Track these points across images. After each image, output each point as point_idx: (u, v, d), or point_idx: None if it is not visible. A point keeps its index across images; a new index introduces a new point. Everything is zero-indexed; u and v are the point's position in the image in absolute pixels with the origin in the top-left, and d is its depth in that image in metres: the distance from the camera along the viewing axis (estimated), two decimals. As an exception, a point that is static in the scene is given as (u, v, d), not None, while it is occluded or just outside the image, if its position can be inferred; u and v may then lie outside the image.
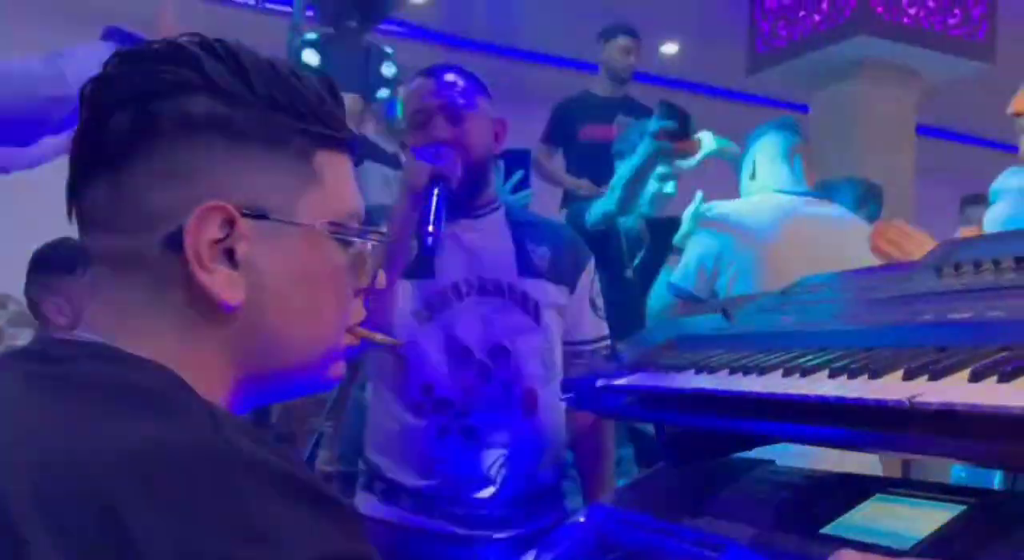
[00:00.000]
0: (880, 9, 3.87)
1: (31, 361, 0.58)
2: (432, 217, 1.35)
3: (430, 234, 1.35)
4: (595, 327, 1.60)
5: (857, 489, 0.92)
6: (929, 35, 3.98)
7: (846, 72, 4.14)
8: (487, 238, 1.51)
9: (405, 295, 1.45)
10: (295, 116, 0.60)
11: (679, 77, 5.77)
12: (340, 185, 0.63)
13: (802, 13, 4.16)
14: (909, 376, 0.75)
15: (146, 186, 0.58)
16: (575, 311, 1.57)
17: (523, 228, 1.55)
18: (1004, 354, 0.69)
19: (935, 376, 0.70)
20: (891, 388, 0.75)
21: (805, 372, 0.87)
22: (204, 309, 0.59)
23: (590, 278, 1.60)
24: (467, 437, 1.43)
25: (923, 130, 4.74)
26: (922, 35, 3.97)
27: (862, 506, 0.88)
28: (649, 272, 2.78)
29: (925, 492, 0.85)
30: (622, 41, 3.79)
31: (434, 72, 1.53)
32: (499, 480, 1.43)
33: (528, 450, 1.46)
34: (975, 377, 0.66)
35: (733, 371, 0.95)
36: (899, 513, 0.84)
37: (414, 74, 1.58)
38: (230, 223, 0.58)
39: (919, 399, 0.68)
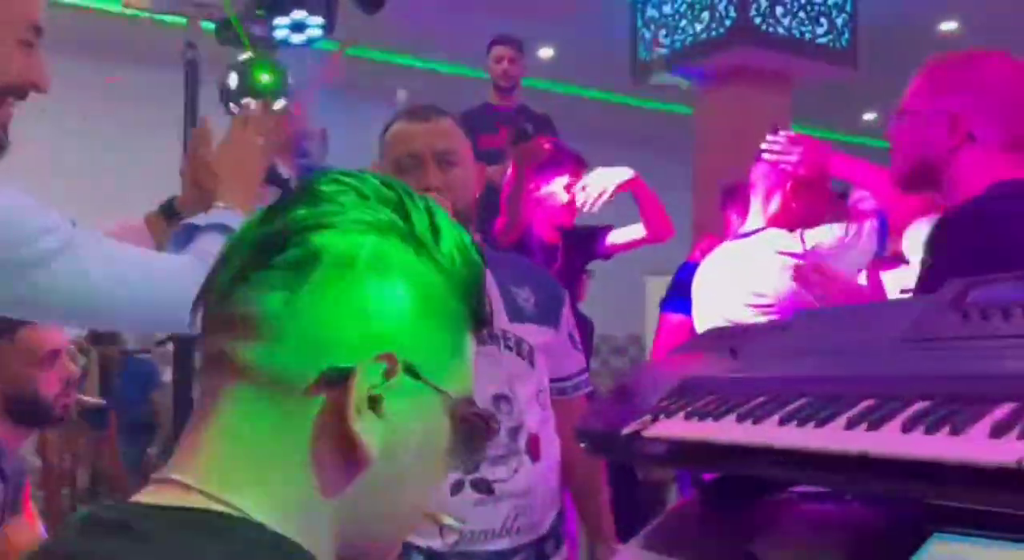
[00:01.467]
0: (758, 20, 4.07)
1: (109, 537, 0.51)
2: None
3: None
4: (576, 361, 1.61)
5: (910, 523, 0.95)
6: (801, 43, 4.22)
7: (726, 79, 4.33)
8: None
9: None
10: (469, 290, 0.59)
11: (564, 81, 5.87)
12: (471, 366, 0.62)
13: (683, 22, 4.32)
14: (997, 433, 0.79)
15: (328, 313, 0.54)
16: (560, 349, 1.56)
17: (502, 271, 1.53)
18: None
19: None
20: (986, 446, 0.79)
21: (873, 424, 0.90)
22: (335, 457, 0.54)
23: (568, 312, 1.60)
24: (481, 491, 1.40)
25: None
26: (794, 44, 4.21)
27: (923, 553, 0.91)
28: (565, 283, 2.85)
29: (989, 528, 0.89)
30: (495, 50, 3.82)
31: (423, 114, 1.49)
32: (516, 531, 1.41)
33: (539, 496, 1.45)
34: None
35: (785, 421, 0.98)
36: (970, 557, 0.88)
37: (396, 113, 1.53)
38: (389, 373, 0.55)
39: (1034, 461, 0.72)
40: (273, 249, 0.55)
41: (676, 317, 2.90)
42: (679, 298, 2.87)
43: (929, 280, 1.38)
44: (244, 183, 1.27)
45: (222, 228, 1.16)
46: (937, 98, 1.42)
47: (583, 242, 2.89)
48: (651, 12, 4.54)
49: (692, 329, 2.67)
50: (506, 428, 1.42)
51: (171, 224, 1.30)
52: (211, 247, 1.11)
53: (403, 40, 5.71)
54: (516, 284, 1.53)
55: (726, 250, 2.66)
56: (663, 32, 4.43)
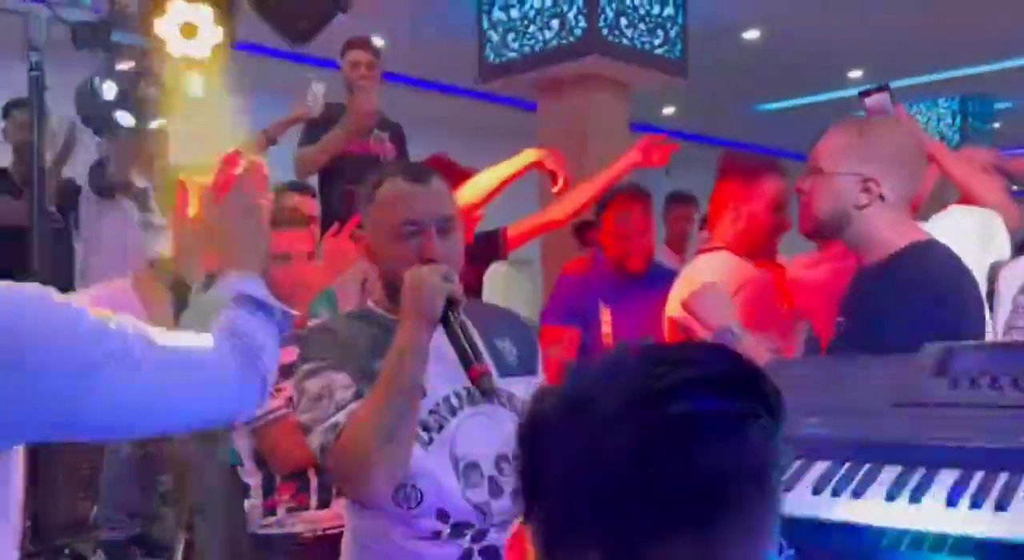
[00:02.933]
0: (605, 31, 4.23)
1: None
2: (474, 351, 1.31)
3: (485, 373, 1.30)
4: None
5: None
6: (642, 54, 4.44)
7: (574, 85, 4.47)
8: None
9: None
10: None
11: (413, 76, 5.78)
12: None
13: (532, 28, 4.40)
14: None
15: (733, 543, 0.53)
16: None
17: (486, 325, 1.53)
18: None
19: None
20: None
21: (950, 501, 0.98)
22: None
23: (540, 358, 1.60)
24: (490, 558, 1.39)
25: (636, 127, 5.27)
26: (636, 54, 4.42)
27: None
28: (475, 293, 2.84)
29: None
30: (352, 54, 3.73)
31: (422, 176, 1.43)
32: None
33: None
34: None
35: (857, 494, 1.06)
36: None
37: (385, 168, 1.47)
38: None
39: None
40: None
41: (562, 329, 2.97)
42: (562, 310, 2.92)
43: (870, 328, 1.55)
44: (254, 250, 1.18)
45: (249, 301, 1.09)
46: (852, 161, 1.59)
47: (484, 249, 2.88)
48: (498, 15, 4.58)
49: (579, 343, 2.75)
50: (509, 491, 1.42)
51: (165, 285, 1.21)
52: (240, 324, 1.06)
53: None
54: (499, 337, 1.53)
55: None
56: (511, 36, 4.49)
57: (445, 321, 1.33)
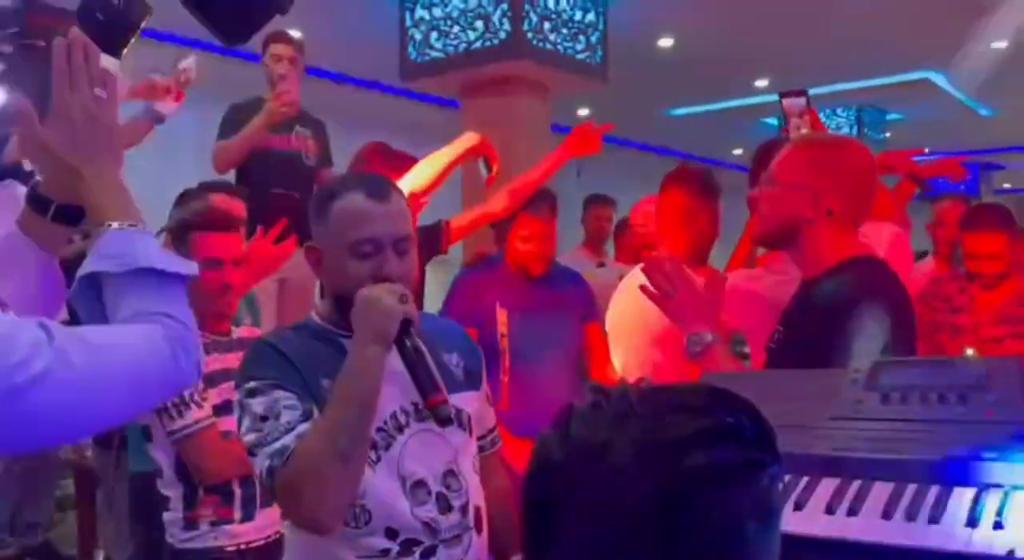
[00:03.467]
0: (530, 34, 4.26)
1: None
2: (432, 378, 1.29)
3: (443, 403, 1.29)
4: (491, 417, 1.61)
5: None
6: (564, 59, 4.49)
7: (496, 86, 4.49)
8: None
9: None
10: None
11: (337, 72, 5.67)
12: None
13: (456, 28, 4.39)
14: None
15: None
16: (482, 408, 1.57)
17: (433, 339, 1.51)
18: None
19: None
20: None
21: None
22: None
23: (481, 370, 1.59)
24: None
25: (555, 129, 5.32)
26: (559, 59, 4.47)
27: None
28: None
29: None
30: (274, 48, 3.66)
31: (381, 193, 1.39)
32: None
33: None
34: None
35: (798, 507, 1.11)
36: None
37: (342, 181, 1.43)
38: None
39: None
40: None
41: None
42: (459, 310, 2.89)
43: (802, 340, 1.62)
44: (110, 167, 1.00)
45: (151, 273, 0.94)
46: (805, 175, 1.66)
47: (427, 243, 2.85)
48: (421, 13, 4.55)
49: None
50: (458, 506, 1.42)
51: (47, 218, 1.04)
52: (156, 303, 0.94)
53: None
54: (447, 351, 1.52)
55: None
56: (434, 35, 4.47)
57: (400, 343, 1.31)
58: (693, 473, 0.54)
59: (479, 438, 1.55)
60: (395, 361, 1.37)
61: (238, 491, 1.98)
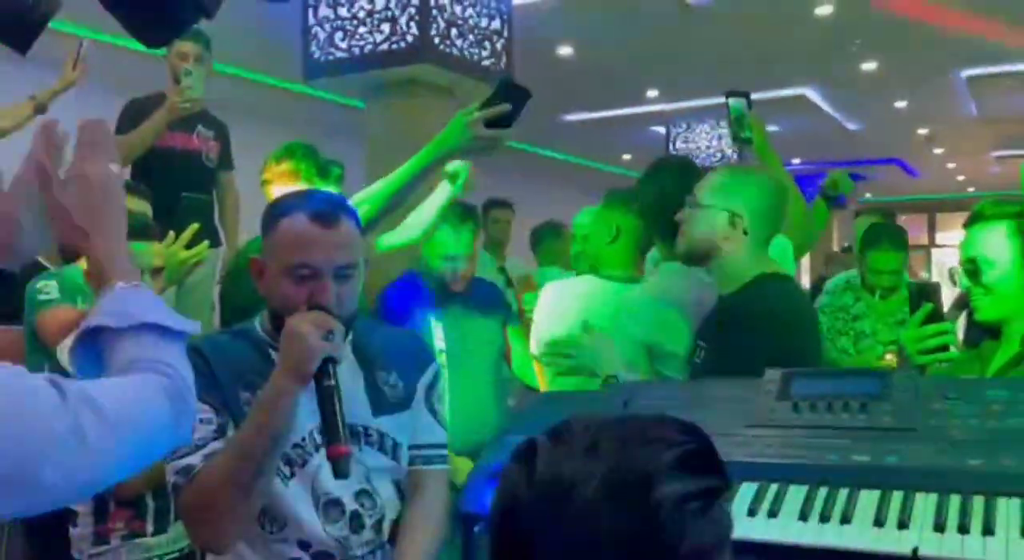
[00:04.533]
0: (436, 39, 4.27)
1: None
2: (340, 425, 1.26)
3: (345, 455, 1.26)
4: (438, 435, 1.58)
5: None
6: (469, 64, 4.53)
7: (401, 89, 4.48)
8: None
9: None
10: None
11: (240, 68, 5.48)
12: None
13: (362, 29, 4.35)
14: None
15: None
16: (418, 422, 1.56)
17: (371, 358, 1.49)
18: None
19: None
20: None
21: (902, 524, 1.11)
22: None
23: (432, 381, 1.58)
24: None
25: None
26: (464, 64, 4.50)
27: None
28: None
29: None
30: (179, 45, 3.56)
31: (327, 218, 1.35)
32: None
33: None
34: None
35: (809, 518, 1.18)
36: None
37: (294, 198, 1.40)
38: None
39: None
40: None
41: None
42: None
43: (714, 358, 1.73)
44: (116, 233, 1.02)
45: (153, 328, 0.95)
46: (723, 198, 1.78)
47: None
48: (325, 11, 4.49)
49: None
50: (371, 524, 1.43)
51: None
52: (156, 353, 0.94)
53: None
54: (385, 368, 1.50)
55: None
56: (339, 35, 4.42)
57: (318, 381, 1.30)
58: (660, 504, 0.56)
59: (412, 448, 1.54)
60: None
61: (151, 504, 1.94)
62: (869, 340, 3.35)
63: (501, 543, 0.61)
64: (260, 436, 1.28)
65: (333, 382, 1.29)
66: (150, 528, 1.93)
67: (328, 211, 1.37)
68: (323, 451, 1.38)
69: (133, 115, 3.60)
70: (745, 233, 1.78)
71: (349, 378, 1.43)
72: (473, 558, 1.43)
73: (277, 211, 1.40)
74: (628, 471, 0.58)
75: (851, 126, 10.45)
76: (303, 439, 1.39)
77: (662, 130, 10.19)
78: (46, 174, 1.01)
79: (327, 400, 1.29)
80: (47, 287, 1.97)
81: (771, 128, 11.32)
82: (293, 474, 1.38)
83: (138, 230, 1.88)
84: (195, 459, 1.29)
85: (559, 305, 2.45)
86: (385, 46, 4.32)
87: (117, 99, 3.79)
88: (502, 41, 4.74)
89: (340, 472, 1.28)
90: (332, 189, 2.55)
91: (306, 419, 1.37)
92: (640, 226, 2.38)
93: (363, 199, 1.81)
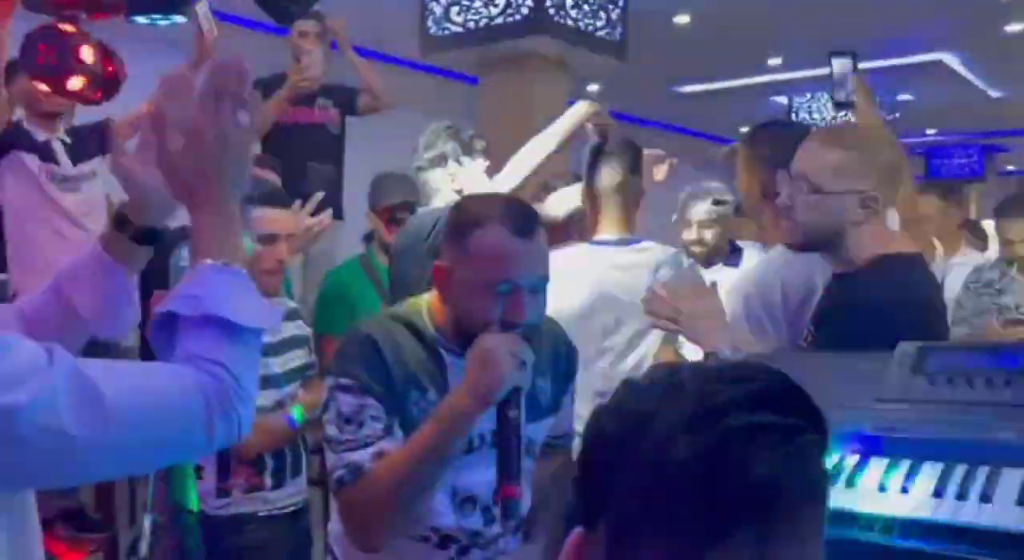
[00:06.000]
0: (552, 10, 4.25)
1: None
2: (516, 466, 1.24)
3: (515, 498, 1.24)
4: (569, 420, 1.61)
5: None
6: (584, 35, 4.49)
7: (516, 62, 4.49)
8: None
9: None
10: None
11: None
12: None
13: (477, 3, 4.37)
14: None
15: (788, 548, 0.57)
16: (558, 418, 1.56)
17: (534, 365, 1.37)
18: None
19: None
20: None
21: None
22: None
23: (573, 389, 1.58)
24: None
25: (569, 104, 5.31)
26: (579, 35, 4.46)
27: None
28: None
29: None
30: (299, 24, 3.68)
31: (524, 227, 1.34)
32: None
33: None
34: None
35: (850, 484, 1.15)
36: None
37: (487, 207, 1.37)
38: None
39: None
40: None
41: None
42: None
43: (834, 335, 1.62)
44: (220, 199, 0.93)
45: (219, 323, 0.87)
46: (850, 179, 1.59)
47: None
48: (440, -12, 4.54)
49: None
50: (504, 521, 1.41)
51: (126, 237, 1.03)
52: (213, 352, 0.87)
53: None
54: (541, 373, 1.48)
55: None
56: (455, 10, 4.46)
57: (500, 412, 1.27)
58: (733, 433, 0.56)
59: (548, 439, 1.55)
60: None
61: (270, 463, 2.04)
62: (1012, 314, 3.20)
63: (584, 470, 0.63)
64: (434, 452, 1.28)
65: (517, 412, 1.27)
66: (268, 483, 2.04)
67: (526, 221, 1.34)
68: (473, 456, 1.38)
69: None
70: (876, 212, 1.65)
71: None
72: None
73: (470, 219, 1.35)
74: (705, 403, 0.58)
75: (994, 93, 9.77)
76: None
77: (783, 100, 9.80)
78: (162, 122, 0.93)
79: (510, 433, 1.26)
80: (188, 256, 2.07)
81: (905, 97, 10.69)
82: None
83: (267, 196, 1.95)
84: (365, 457, 1.29)
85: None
86: (500, 19, 4.33)
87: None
88: (617, 11, 4.67)
89: (510, 514, 1.26)
90: (479, 163, 2.58)
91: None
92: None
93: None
